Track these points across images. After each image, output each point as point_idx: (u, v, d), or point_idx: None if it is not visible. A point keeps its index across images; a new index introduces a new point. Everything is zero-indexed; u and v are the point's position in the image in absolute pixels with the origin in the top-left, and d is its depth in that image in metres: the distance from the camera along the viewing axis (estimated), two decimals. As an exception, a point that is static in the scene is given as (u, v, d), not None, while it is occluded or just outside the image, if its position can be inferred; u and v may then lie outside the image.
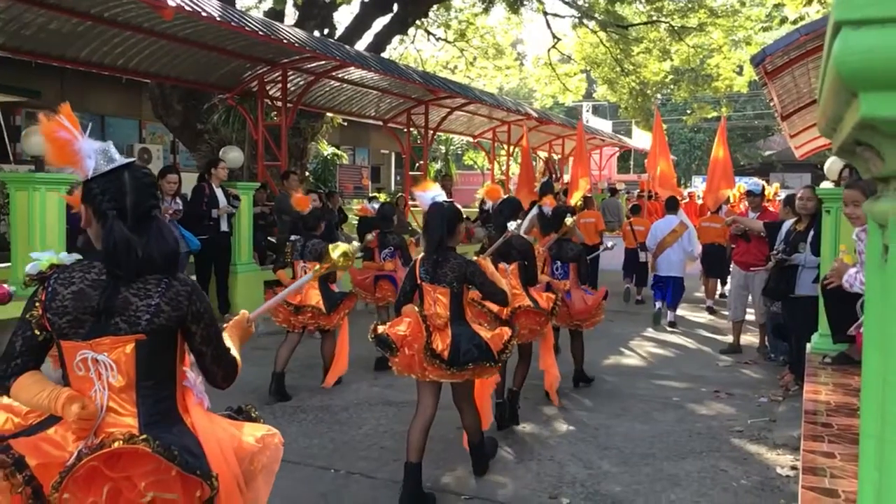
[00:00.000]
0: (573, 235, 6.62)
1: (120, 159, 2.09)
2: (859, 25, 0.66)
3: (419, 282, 4.25)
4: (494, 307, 4.60)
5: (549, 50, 21.91)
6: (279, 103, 11.13)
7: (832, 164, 7.51)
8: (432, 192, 4.36)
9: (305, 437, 5.12)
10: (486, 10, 19.44)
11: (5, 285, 4.26)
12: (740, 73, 20.54)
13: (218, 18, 7.64)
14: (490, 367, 4.12)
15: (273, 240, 10.45)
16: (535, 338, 5.45)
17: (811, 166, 27.38)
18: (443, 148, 26.08)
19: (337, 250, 2.66)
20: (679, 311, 10.19)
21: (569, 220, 6.05)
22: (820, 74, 0.82)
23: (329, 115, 14.05)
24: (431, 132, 15.63)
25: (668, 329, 9.49)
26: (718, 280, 11.38)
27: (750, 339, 8.36)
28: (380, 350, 4.24)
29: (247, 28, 8.18)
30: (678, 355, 8.08)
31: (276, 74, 10.80)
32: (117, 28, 8.37)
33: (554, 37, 20.90)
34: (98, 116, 15.37)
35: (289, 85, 11.11)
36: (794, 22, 15.20)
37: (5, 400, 2.08)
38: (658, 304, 9.80)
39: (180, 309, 2.04)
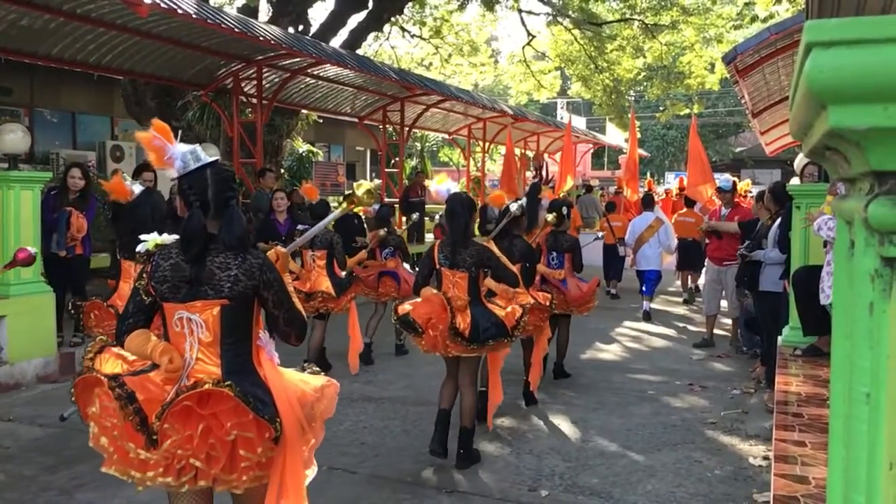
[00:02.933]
0: (567, 228, 6.91)
1: (205, 159, 2.53)
2: (828, 46, 0.75)
3: (437, 267, 4.57)
4: (501, 311, 4.74)
5: (523, 47, 22.02)
6: (254, 100, 11.09)
7: (801, 161, 7.64)
8: (447, 185, 4.71)
9: (286, 434, 5.13)
10: (461, 7, 19.48)
11: (29, 248, 4.51)
12: (712, 71, 20.78)
13: (194, 16, 7.59)
14: (505, 342, 4.54)
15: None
16: (536, 334, 5.67)
17: (781, 162, 27.78)
18: (418, 145, 26.07)
19: (361, 188, 3.01)
20: (655, 305, 10.38)
21: (549, 217, 6.26)
22: (792, 85, 0.89)
23: (304, 112, 14.00)
24: (407, 129, 15.64)
25: (644, 320, 9.76)
26: (696, 272, 11.64)
27: (723, 332, 8.51)
28: (404, 331, 4.62)
29: (223, 25, 8.13)
30: (653, 349, 8.21)
31: (252, 71, 10.75)
32: (90, 25, 8.27)
33: (528, 34, 20.99)
34: (69, 113, 15.17)
35: (264, 82, 11.06)
36: (765, 20, 15.47)
37: (117, 350, 2.57)
38: (646, 305, 10.13)
39: (254, 278, 2.47)
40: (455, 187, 4.75)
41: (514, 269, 4.66)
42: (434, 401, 5.97)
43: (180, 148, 2.50)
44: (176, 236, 2.56)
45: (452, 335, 4.27)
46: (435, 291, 4.49)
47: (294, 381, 2.57)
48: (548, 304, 5.54)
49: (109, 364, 2.51)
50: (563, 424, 5.44)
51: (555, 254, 6.55)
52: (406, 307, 4.53)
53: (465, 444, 4.58)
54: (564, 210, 6.42)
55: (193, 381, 2.37)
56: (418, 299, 4.60)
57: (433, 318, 4.35)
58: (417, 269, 4.82)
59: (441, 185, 4.76)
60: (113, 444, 2.33)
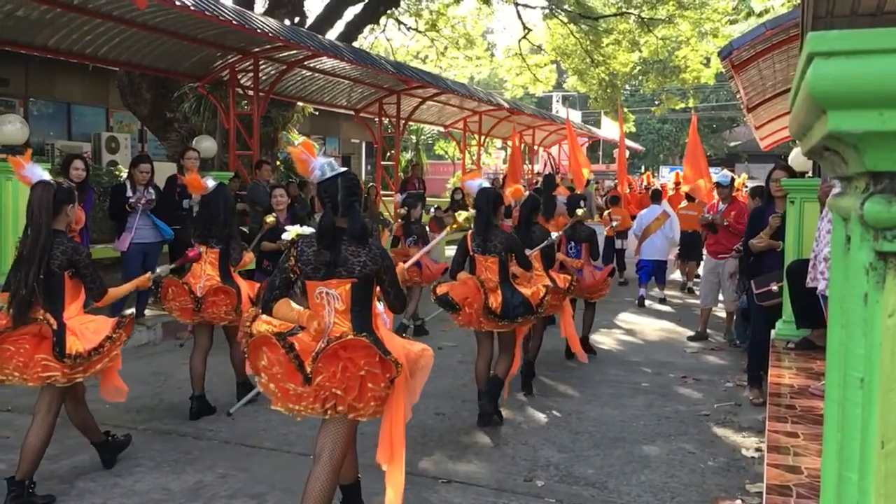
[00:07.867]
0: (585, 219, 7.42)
1: (338, 169, 3.25)
2: (829, 56, 0.81)
3: (471, 254, 5.18)
4: (527, 290, 5.52)
5: (519, 40, 22.00)
6: (251, 92, 11.08)
7: (796, 157, 7.72)
8: (478, 181, 5.36)
9: (284, 425, 5.16)
10: (457, 0, 19.46)
11: (198, 248, 5.22)
12: (707, 65, 20.84)
13: (191, 7, 7.59)
14: (531, 318, 5.23)
15: (245, 230, 10.40)
16: (555, 312, 6.32)
17: (775, 157, 27.85)
18: (413, 137, 26.07)
19: (462, 215, 4.23)
20: (653, 293, 10.66)
21: (580, 211, 6.92)
22: (793, 90, 0.94)
23: (300, 104, 13.99)
24: (403, 122, 15.65)
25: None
26: (695, 263, 11.83)
27: (718, 324, 8.58)
28: (443, 309, 5.25)
29: (220, 17, 8.13)
30: (648, 342, 8.27)
31: (248, 63, 10.75)
32: (87, 16, 8.25)
33: (525, 27, 20.99)
34: (64, 104, 15.13)
35: (260, 74, 11.05)
36: (760, 15, 15.54)
37: (265, 317, 3.40)
38: (642, 291, 10.66)
39: (376, 264, 3.22)
40: (485, 183, 5.28)
41: (534, 253, 5.54)
42: (430, 392, 6.03)
43: (320, 160, 3.21)
44: (312, 229, 3.27)
45: (486, 313, 4.92)
46: (469, 275, 5.10)
47: (402, 342, 3.41)
48: (566, 286, 6.09)
49: (263, 326, 3.29)
50: (559, 416, 5.50)
51: (573, 244, 7.09)
52: (444, 288, 5.16)
53: (494, 389, 5.13)
54: (581, 205, 7.05)
55: (339, 334, 3.11)
56: (453, 282, 5.20)
57: (469, 298, 5.00)
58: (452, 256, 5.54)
59: (473, 181, 5.38)
60: (277, 386, 3.08)
